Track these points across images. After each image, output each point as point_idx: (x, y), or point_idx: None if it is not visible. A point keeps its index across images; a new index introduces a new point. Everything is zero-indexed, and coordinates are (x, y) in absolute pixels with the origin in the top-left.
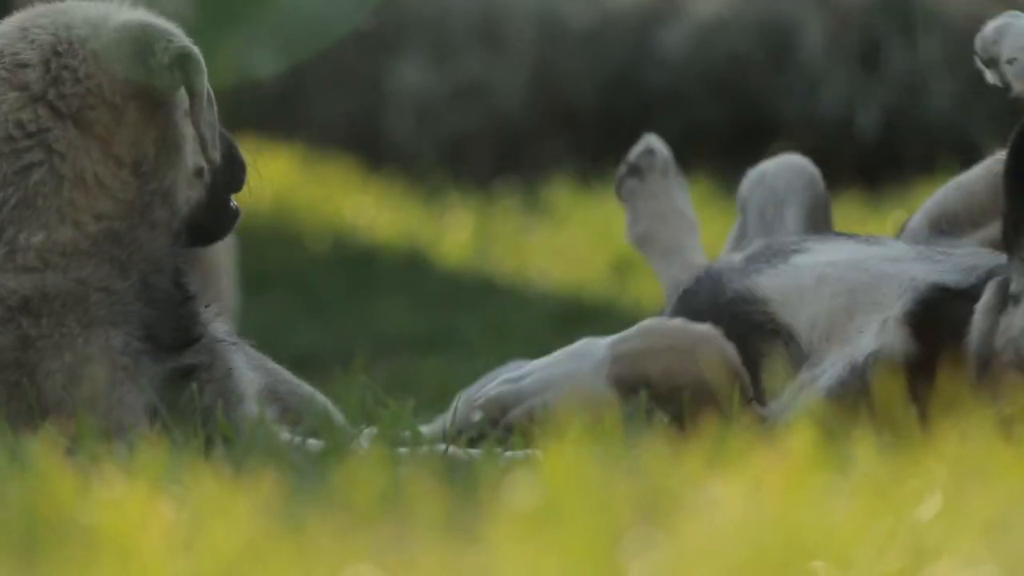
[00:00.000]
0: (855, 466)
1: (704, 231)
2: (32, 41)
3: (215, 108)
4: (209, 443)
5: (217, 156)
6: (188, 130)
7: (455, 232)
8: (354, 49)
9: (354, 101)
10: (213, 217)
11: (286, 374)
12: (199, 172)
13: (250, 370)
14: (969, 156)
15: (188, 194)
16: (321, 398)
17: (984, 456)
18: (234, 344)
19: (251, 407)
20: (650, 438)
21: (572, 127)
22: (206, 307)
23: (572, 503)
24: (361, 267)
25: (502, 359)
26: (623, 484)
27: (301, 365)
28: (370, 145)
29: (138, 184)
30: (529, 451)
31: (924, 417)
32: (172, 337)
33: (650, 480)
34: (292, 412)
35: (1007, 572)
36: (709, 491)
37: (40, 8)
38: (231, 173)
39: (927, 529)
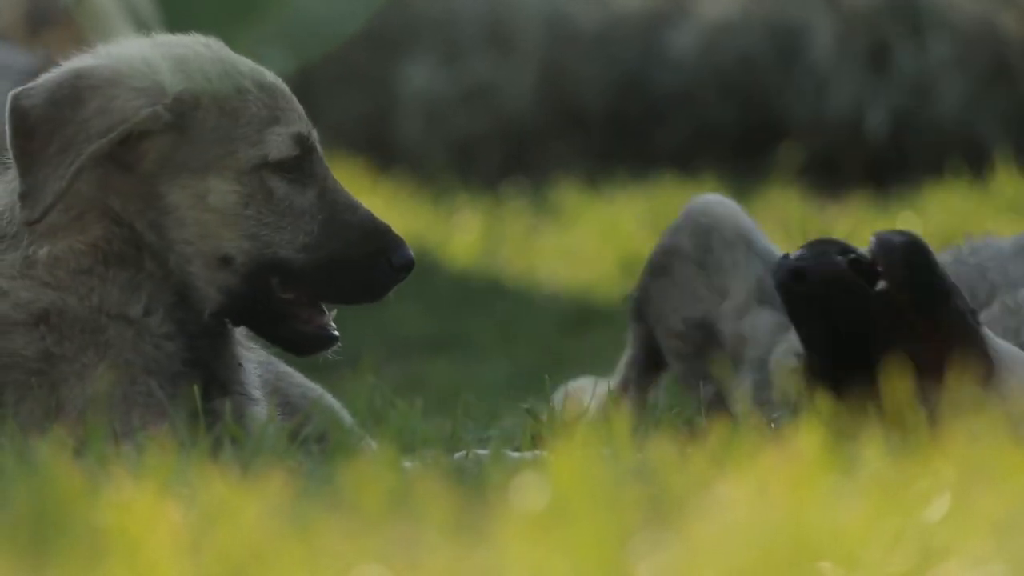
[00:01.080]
0: (863, 467)
1: None
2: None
3: (66, 171)
4: (217, 445)
5: (31, 215)
6: (191, 206)
7: (463, 233)
8: (363, 50)
9: (363, 102)
10: (265, 320)
11: (298, 376)
12: (225, 260)
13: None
14: (977, 157)
15: (203, 273)
16: (330, 400)
17: (992, 457)
18: (255, 400)
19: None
20: (658, 439)
21: (580, 128)
22: (247, 350)
23: (580, 504)
24: None
25: (511, 360)
26: (631, 485)
27: (311, 366)
28: (379, 146)
29: (106, 225)
30: (537, 452)
31: (933, 418)
32: (203, 380)
33: (658, 481)
34: (301, 414)
35: (1015, 573)
36: (717, 492)
37: (159, 37)
38: (320, 275)
39: (935, 530)
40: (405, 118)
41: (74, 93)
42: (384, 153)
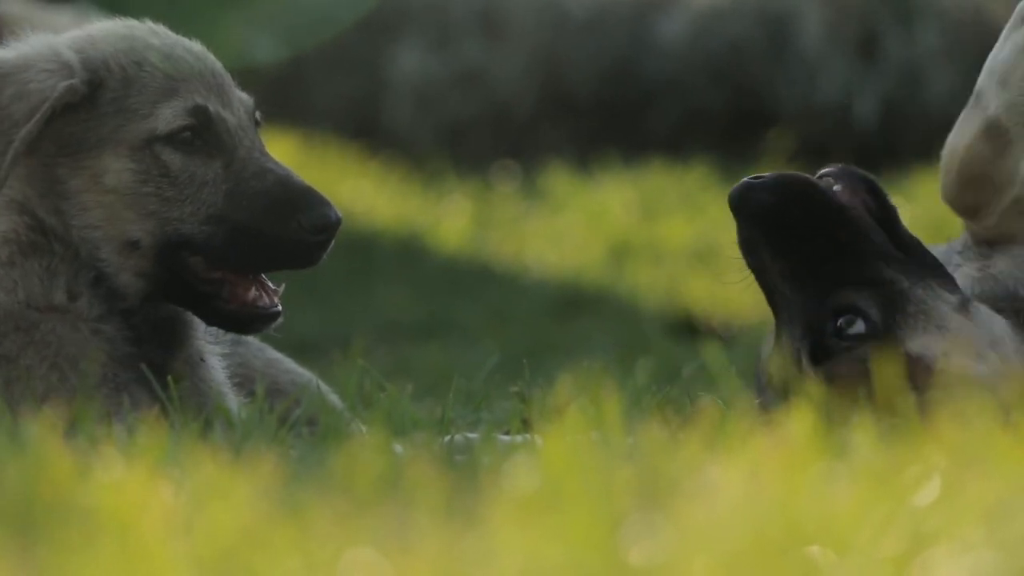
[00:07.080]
0: (854, 452)
1: (702, 217)
2: None
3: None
4: (208, 427)
5: None
6: (89, 189)
7: (453, 218)
8: (354, 34)
9: (354, 86)
10: (190, 301)
11: (288, 363)
12: (132, 244)
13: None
14: None
15: (114, 259)
16: (319, 385)
17: (983, 442)
18: (221, 393)
19: None
20: (649, 423)
21: (571, 114)
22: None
23: (572, 488)
24: (360, 252)
25: (500, 344)
26: (622, 469)
27: (300, 350)
28: (369, 130)
29: (9, 216)
30: (528, 436)
31: (923, 403)
32: (162, 367)
33: (649, 465)
34: (290, 397)
35: (1005, 558)
36: (708, 476)
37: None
38: (232, 245)
39: (926, 515)
40: (395, 102)
41: None
42: (374, 137)
